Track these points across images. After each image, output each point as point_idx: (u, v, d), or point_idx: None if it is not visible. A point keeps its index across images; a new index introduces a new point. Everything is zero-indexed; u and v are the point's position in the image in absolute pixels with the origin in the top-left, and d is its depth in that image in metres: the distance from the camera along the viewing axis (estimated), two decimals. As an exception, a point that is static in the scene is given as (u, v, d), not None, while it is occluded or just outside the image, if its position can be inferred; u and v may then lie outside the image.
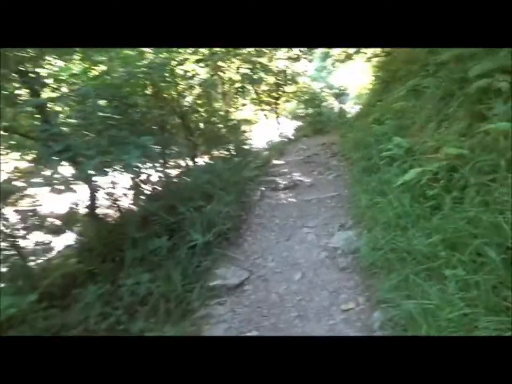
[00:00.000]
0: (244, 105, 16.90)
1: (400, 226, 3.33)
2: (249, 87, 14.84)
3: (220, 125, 8.65)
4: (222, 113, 10.13)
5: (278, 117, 15.41)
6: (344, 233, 4.10)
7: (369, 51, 18.50)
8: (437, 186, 3.25)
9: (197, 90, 8.40)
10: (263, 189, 5.90)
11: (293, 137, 15.50)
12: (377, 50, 17.77)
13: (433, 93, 4.96)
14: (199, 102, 8.57)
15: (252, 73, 11.43)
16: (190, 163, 6.66)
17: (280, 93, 15.87)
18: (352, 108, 23.78)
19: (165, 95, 6.75)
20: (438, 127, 4.21)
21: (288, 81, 16.27)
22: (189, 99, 8.12)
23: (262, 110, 14.83)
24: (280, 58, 15.57)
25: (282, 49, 15.73)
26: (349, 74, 23.73)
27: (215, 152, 8.12)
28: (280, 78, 15.73)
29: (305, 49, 15.86)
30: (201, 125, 8.29)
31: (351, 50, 16.87)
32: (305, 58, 16.09)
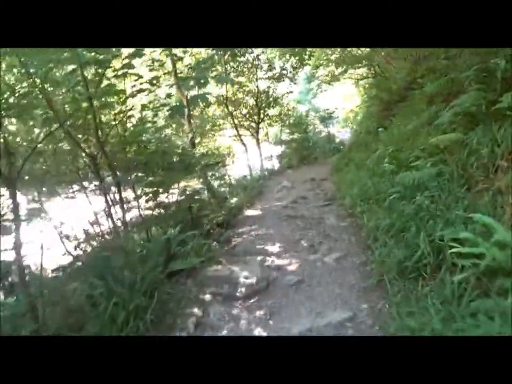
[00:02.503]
0: (219, 130, 14.24)
1: None
2: (225, 108, 12.17)
3: (170, 161, 5.81)
4: (179, 143, 7.37)
5: (259, 143, 12.68)
6: None
7: (356, 72, 16.27)
8: None
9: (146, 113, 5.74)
10: (208, 297, 3.00)
11: (275, 169, 12.81)
12: (365, 71, 15.59)
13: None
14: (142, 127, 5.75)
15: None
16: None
17: (261, 116, 13.18)
18: (339, 131, 21.43)
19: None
20: None
21: (270, 104, 13.61)
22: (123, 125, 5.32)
23: (240, 136, 12.05)
24: (261, 78, 13.00)
25: (263, 68, 13.34)
26: (335, 97, 21.40)
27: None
28: (261, 100, 13.10)
29: (290, 69, 13.46)
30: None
31: (337, 71, 14.59)
32: (288, 78, 13.49)
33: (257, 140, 12.57)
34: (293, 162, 13.05)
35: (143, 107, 5.50)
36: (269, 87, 13.18)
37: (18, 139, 4.42)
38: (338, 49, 12.32)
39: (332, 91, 19.02)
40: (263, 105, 13.19)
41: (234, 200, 5.89)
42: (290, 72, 13.09)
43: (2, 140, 2.89)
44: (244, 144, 11.54)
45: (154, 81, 4.62)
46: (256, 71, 12.26)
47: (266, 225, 4.81)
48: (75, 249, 4.01)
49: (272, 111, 14.45)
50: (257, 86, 12.60)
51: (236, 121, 13.06)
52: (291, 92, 13.90)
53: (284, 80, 13.36)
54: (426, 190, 3.22)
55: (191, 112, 9.00)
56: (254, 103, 12.83)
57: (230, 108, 12.45)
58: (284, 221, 4.90)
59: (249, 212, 5.76)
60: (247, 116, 13.35)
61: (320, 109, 19.91)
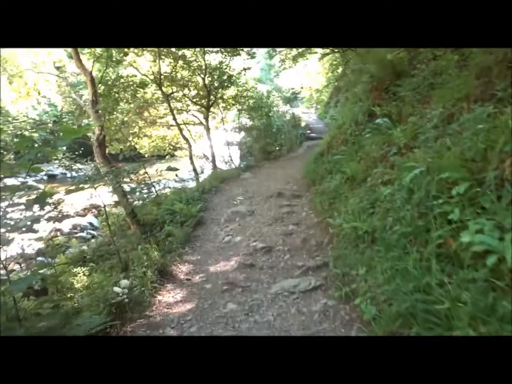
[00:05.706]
0: (161, 117, 10.74)
1: None
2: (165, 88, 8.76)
3: None
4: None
5: (209, 133, 9.45)
6: None
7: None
8: None
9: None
10: None
11: (231, 166, 9.68)
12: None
13: None
14: None
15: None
16: None
17: (212, 98, 9.87)
18: (304, 112, 18.43)
19: None
20: None
21: (224, 83, 10.25)
22: None
23: (179, 126, 8.73)
24: (212, 51, 9.61)
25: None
26: (299, 75, 18.26)
27: None
28: (213, 78, 9.77)
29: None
30: None
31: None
32: (244, 52, 10.10)
33: (208, 128, 9.34)
34: (253, 153, 9.98)
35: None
36: (221, 62, 9.85)
37: None
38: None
39: (296, 68, 15.76)
40: (215, 85, 9.89)
41: (141, 270, 2.71)
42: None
43: None
44: (185, 138, 8.31)
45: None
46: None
47: None
48: None
49: (228, 92, 11.15)
50: (205, 60, 9.26)
51: (180, 105, 9.74)
52: (248, 69, 10.60)
53: (239, 54, 10.04)
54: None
55: (98, 95, 5.61)
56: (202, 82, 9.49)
57: (171, 89, 9.14)
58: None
59: (162, 299, 2.70)
60: (198, 98, 10.02)
61: (282, 88, 16.77)
